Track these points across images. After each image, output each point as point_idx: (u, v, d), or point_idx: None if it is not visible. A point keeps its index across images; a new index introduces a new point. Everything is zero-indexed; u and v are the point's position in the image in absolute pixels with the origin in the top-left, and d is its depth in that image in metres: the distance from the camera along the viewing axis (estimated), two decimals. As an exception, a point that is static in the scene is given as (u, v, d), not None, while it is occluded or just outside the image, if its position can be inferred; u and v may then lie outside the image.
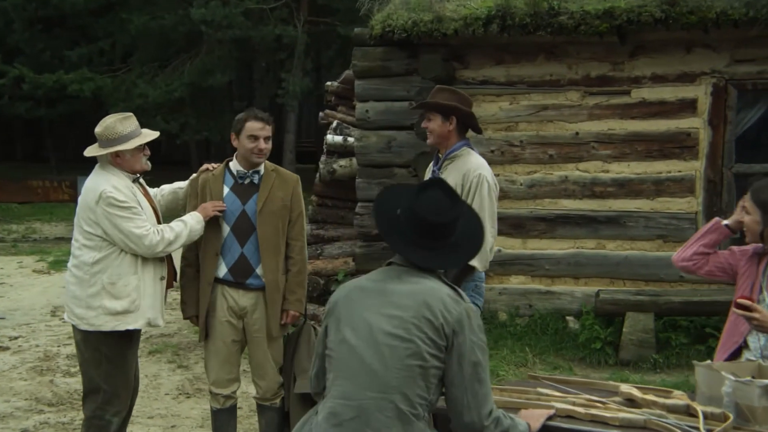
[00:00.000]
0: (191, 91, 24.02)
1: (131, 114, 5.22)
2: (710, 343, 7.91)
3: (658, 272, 8.61)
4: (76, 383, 7.14)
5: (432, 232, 3.37)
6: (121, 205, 4.91)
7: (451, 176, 5.25)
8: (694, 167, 8.57)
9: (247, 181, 5.31)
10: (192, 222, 5.12)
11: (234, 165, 5.37)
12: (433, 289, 3.28)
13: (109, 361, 5.08)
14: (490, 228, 5.17)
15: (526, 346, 8.40)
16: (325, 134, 10.09)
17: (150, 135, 5.21)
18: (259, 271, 5.25)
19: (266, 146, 5.25)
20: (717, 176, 8.50)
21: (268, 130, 5.26)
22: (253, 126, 5.22)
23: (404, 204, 3.44)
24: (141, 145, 5.12)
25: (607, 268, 8.84)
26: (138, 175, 5.23)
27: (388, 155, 9.23)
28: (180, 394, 7.46)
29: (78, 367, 5.70)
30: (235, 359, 5.45)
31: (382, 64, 9.24)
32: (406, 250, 3.39)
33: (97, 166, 5.18)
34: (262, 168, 5.35)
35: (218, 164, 5.49)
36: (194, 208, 5.29)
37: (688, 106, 8.57)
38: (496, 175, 9.03)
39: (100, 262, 5.01)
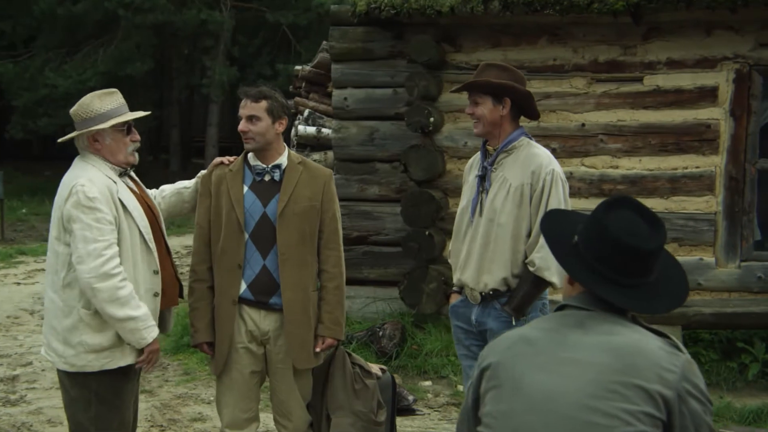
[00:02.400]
0: (106, 81, 22.24)
1: (115, 90, 4.24)
2: (743, 359, 7.13)
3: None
4: (22, 414, 6.00)
5: (632, 264, 2.43)
6: (87, 204, 3.88)
7: (513, 174, 4.33)
8: (714, 163, 7.74)
9: (266, 178, 4.37)
10: (145, 319, 4.03)
11: (252, 158, 4.42)
12: (638, 341, 2.34)
13: (101, 402, 4.07)
14: None
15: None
16: (293, 125, 8.97)
17: (136, 114, 4.20)
18: (281, 285, 4.36)
19: (251, 128, 4.30)
20: (739, 173, 7.68)
21: (251, 108, 4.33)
22: (240, 104, 4.36)
23: (585, 229, 2.52)
24: (123, 127, 4.13)
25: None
26: (127, 168, 4.20)
27: (370, 148, 8.23)
28: (152, 426, 6.34)
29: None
30: (254, 394, 4.52)
31: (364, 46, 8.23)
32: (601, 287, 2.42)
33: (77, 158, 4.21)
34: (284, 160, 4.40)
35: (234, 157, 4.51)
36: (208, 210, 4.36)
37: (707, 95, 7.72)
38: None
39: (72, 284, 3.97)
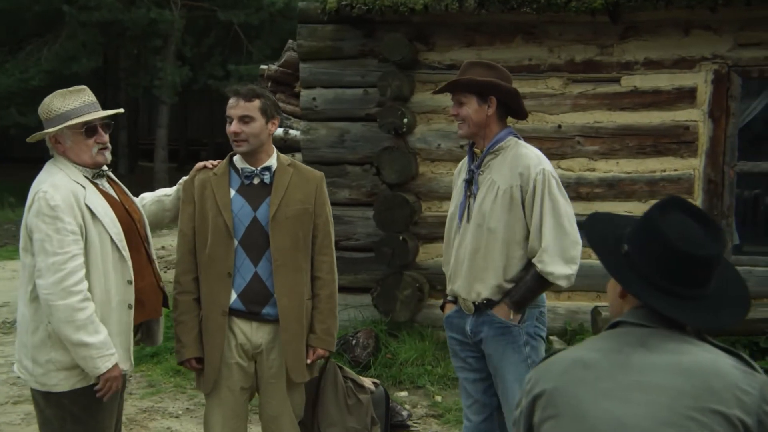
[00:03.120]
0: (51, 80, 21.54)
1: (84, 87, 3.89)
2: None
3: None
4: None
5: (692, 274, 2.17)
6: (48, 213, 3.55)
7: (501, 176, 4.08)
8: (693, 165, 7.59)
9: (256, 181, 4.08)
10: (100, 347, 3.65)
11: (239, 161, 4.13)
12: (711, 361, 2.09)
13: (75, 421, 3.75)
14: (559, 236, 4.06)
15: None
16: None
17: (97, 114, 3.83)
18: (275, 294, 4.08)
19: (244, 129, 4.00)
20: (718, 176, 7.53)
21: (243, 108, 4.02)
22: (229, 104, 4.04)
23: (637, 236, 2.25)
24: (81, 129, 3.76)
25: (593, 280, 7.63)
26: (101, 169, 3.87)
27: (340, 150, 7.93)
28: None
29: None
30: (243, 412, 4.24)
31: (333, 45, 7.94)
32: (662, 301, 2.18)
33: (49, 161, 3.89)
34: (274, 162, 4.12)
35: (218, 161, 4.22)
36: (191, 217, 4.06)
37: (685, 96, 7.55)
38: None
39: (39, 298, 3.63)
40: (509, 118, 4.30)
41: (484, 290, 4.10)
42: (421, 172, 7.90)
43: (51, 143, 3.83)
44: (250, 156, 4.07)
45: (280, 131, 8.39)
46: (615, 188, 7.68)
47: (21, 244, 3.73)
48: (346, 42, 7.93)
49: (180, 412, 6.57)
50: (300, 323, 4.08)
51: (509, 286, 4.07)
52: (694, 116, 7.54)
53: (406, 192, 7.73)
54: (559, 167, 7.73)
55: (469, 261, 4.15)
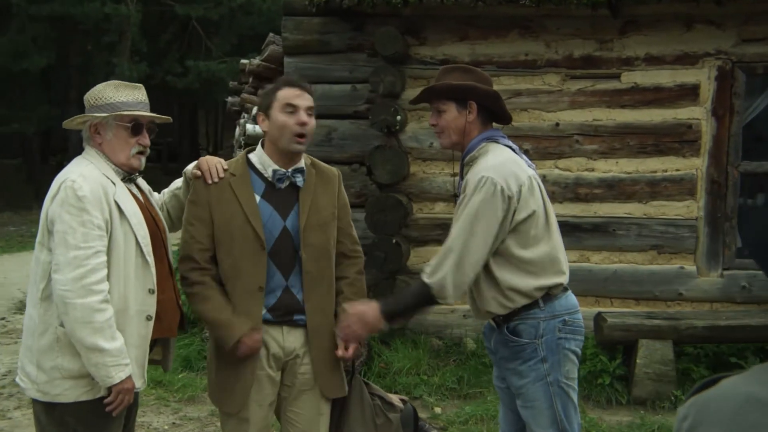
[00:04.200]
0: (-1, 75, 20.96)
1: (140, 85, 3.60)
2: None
3: (653, 289, 7.32)
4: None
5: None
6: (74, 203, 3.24)
7: (468, 188, 3.60)
8: (695, 165, 7.31)
9: (285, 184, 3.63)
10: (116, 354, 3.28)
11: (262, 160, 3.67)
12: None
13: None
14: (462, 244, 3.50)
15: (512, 382, 6.87)
16: (237, 123, 8.20)
17: (149, 113, 3.56)
18: (305, 305, 3.67)
19: (310, 122, 3.60)
20: (721, 176, 7.27)
21: (309, 99, 3.63)
22: (288, 93, 3.57)
23: None
24: (128, 123, 3.47)
25: (591, 284, 7.44)
26: (131, 173, 3.57)
27: (327, 149, 7.53)
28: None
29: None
30: (269, 429, 3.80)
31: (320, 38, 7.54)
32: None
33: (78, 156, 3.56)
34: (302, 163, 3.69)
35: (224, 162, 3.74)
36: (205, 223, 3.60)
37: (688, 93, 7.28)
38: (456, 175, 7.71)
39: (51, 297, 3.30)
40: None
41: (485, 305, 3.72)
42: (413, 171, 7.53)
43: (89, 132, 3.50)
44: (294, 156, 3.64)
45: (261, 128, 7.96)
46: (615, 189, 7.38)
47: (38, 238, 3.38)
48: (333, 35, 7.53)
49: (166, 427, 6.13)
50: (332, 340, 3.70)
51: (511, 296, 3.65)
52: (697, 114, 7.27)
53: (398, 193, 7.37)
54: (557, 167, 7.43)
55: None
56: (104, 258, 3.26)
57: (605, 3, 6.92)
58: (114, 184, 3.41)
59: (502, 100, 3.81)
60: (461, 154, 3.78)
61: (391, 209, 7.09)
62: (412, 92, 7.40)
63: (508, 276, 3.63)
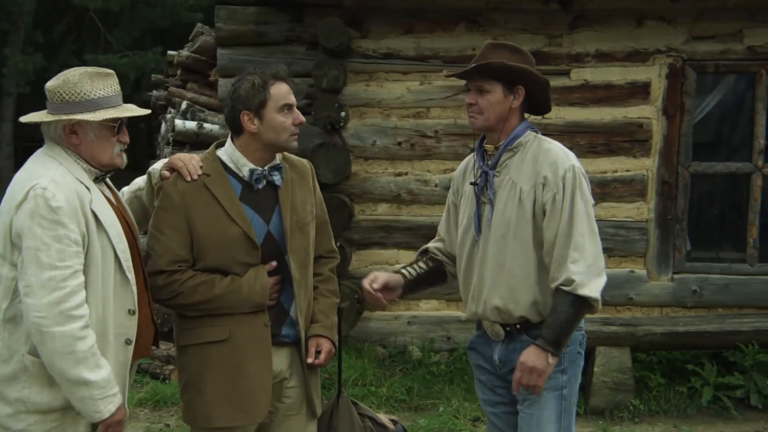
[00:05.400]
0: None
1: (112, 72, 3.11)
2: (693, 382, 6.50)
3: (603, 294, 7.06)
4: None
5: None
6: (47, 215, 2.81)
7: (523, 176, 3.40)
8: (646, 166, 7.11)
9: (262, 184, 3.28)
10: (104, 385, 2.88)
11: (234, 159, 3.32)
12: None
13: None
14: (592, 246, 3.32)
15: (461, 391, 6.55)
16: (163, 118, 7.69)
17: (134, 109, 3.11)
18: (293, 313, 3.39)
19: (301, 120, 3.39)
20: (672, 177, 7.08)
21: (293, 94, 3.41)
22: (281, 91, 3.30)
23: None
24: (114, 123, 3.06)
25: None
26: (105, 172, 3.15)
27: (264, 147, 7.07)
28: None
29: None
30: None
31: (256, 29, 7.12)
32: None
33: (40, 150, 3.10)
34: (278, 159, 3.38)
35: (197, 161, 3.35)
36: (181, 231, 3.22)
37: (639, 91, 7.08)
38: (404, 174, 7.37)
39: (16, 318, 2.89)
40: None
41: (518, 309, 3.39)
42: (354, 171, 7.14)
43: (63, 132, 3.02)
44: (267, 153, 3.32)
45: (193, 125, 7.49)
46: (564, 190, 7.12)
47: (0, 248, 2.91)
48: (270, 26, 7.10)
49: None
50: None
51: (548, 304, 3.36)
52: (648, 113, 7.09)
53: (339, 193, 6.98)
54: (505, 167, 7.14)
55: (494, 278, 3.43)
56: (82, 278, 2.85)
57: (557, -5, 6.68)
58: (88, 189, 2.97)
59: (549, 89, 3.52)
60: (497, 140, 3.47)
61: (335, 211, 6.66)
62: (353, 87, 7.09)
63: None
